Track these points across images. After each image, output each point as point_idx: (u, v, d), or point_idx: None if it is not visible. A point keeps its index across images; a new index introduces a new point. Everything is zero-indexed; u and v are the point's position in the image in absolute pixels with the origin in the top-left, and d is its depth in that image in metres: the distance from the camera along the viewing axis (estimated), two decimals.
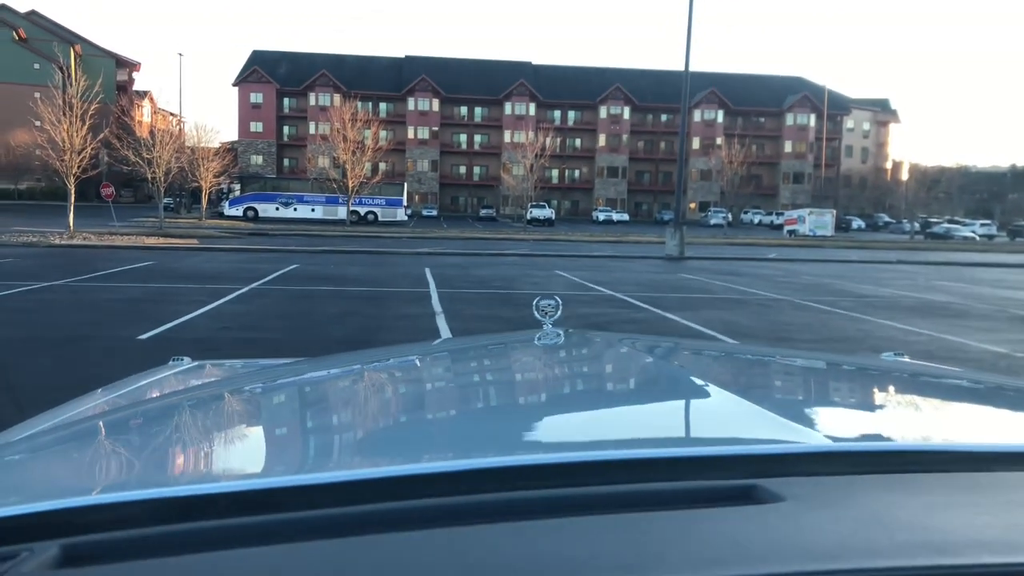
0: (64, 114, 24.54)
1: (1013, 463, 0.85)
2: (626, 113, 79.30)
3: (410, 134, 77.05)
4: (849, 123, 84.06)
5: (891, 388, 1.46)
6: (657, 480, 0.75)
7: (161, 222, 32.63)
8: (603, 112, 79.48)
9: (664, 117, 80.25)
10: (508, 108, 78.14)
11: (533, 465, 0.79)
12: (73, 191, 25.55)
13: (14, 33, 67.52)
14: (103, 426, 1.23)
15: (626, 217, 69.79)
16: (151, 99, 65.36)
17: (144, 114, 60.68)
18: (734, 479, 0.74)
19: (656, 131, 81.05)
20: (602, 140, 79.71)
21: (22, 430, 1.25)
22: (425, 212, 66.83)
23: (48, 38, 62.72)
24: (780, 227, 56.62)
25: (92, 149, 25.61)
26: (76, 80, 25.00)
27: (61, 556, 0.61)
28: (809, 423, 1.02)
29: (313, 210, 46.30)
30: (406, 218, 50.70)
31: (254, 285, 13.47)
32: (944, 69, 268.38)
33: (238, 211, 46.07)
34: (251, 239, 27.95)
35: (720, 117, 78.33)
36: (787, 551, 0.60)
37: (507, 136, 76.52)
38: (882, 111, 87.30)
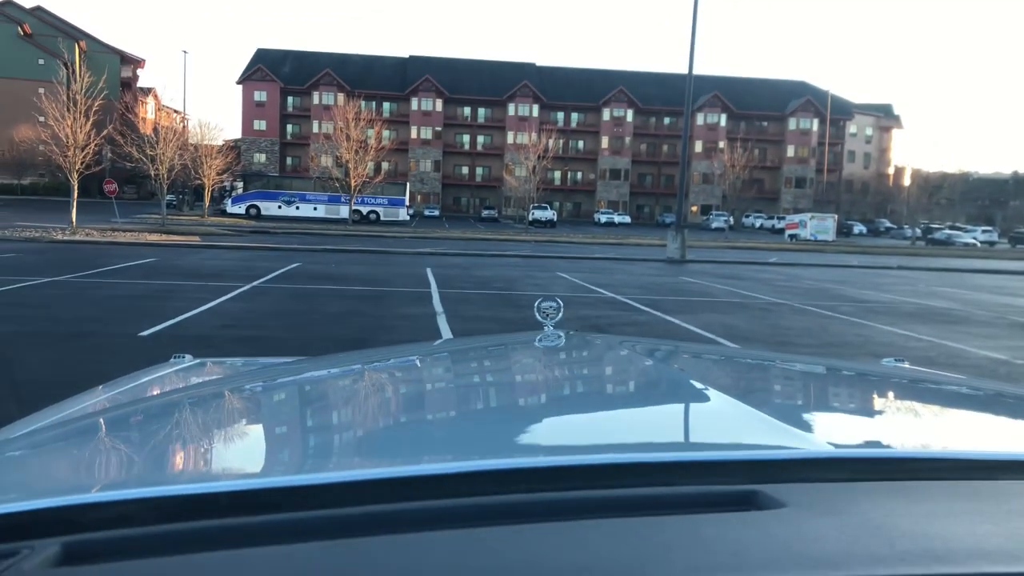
0: (68, 110, 24.49)
1: (1015, 472, 0.84)
2: (629, 116, 79.28)
3: (413, 134, 77.08)
4: (852, 128, 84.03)
5: (891, 394, 1.46)
6: (657, 485, 0.74)
7: (164, 219, 32.62)
8: (606, 114, 79.45)
9: (667, 120, 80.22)
10: (511, 109, 78.11)
11: (533, 468, 0.79)
12: (76, 187, 25.54)
13: (19, 29, 67.75)
14: (104, 423, 1.23)
15: (628, 220, 69.57)
16: (155, 96, 65.32)
17: (148, 111, 60.92)
18: (735, 484, 0.74)
19: (659, 134, 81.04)
20: (605, 142, 79.67)
21: (23, 427, 1.25)
22: (427, 212, 66.91)
23: (53, 34, 62.82)
24: (781, 231, 56.69)
25: (96, 145, 25.56)
26: (80, 76, 24.96)
27: (62, 554, 0.61)
28: (810, 429, 1.02)
29: (315, 209, 46.26)
30: (408, 218, 50.66)
31: (256, 283, 13.47)
32: (947, 75, 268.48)
33: (240, 209, 46.09)
34: (253, 237, 27.92)
35: (723, 121, 78.26)
36: (788, 558, 0.60)
37: (510, 137, 76.51)
38: (885, 116, 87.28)
